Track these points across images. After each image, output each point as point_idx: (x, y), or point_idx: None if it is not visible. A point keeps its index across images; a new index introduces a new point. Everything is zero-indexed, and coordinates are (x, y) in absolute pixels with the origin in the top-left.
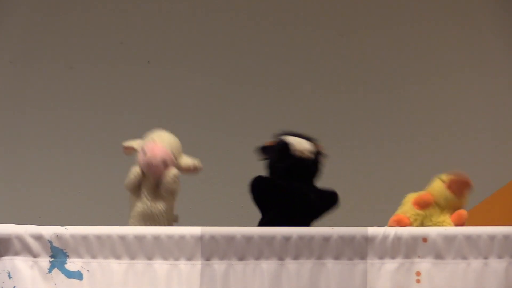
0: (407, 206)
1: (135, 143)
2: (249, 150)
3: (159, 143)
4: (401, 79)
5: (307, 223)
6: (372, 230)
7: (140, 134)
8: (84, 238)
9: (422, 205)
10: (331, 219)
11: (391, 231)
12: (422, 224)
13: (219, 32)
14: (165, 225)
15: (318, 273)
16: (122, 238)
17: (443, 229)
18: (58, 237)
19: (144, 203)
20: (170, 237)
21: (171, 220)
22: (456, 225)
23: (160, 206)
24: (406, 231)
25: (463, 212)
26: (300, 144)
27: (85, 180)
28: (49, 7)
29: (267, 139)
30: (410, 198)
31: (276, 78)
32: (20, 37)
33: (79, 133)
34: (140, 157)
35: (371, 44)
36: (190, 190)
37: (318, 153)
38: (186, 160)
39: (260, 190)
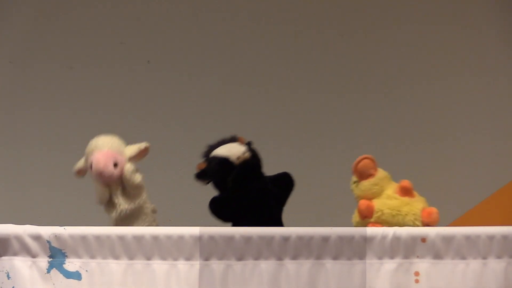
0: (358, 223)
1: (80, 164)
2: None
3: (99, 152)
4: (401, 79)
5: (278, 214)
6: (371, 230)
7: (140, 134)
8: (83, 238)
9: (366, 214)
10: (331, 219)
11: (389, 231)
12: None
13: (219, 32)
14: (147, 219)
15: (317, 273)
16: (121, 238)
17: (442, 229)
18: (57, 237)
19: (122, 211)
20: (169, 237)
21: (149, 213)
22: (426, 223)
23: (131, 204)
24: (405, 231)
25: (403, 183)
26: (234, 152)
27: (85, 180)
28: (49, 7)
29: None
30: (355, 217)
31: (276, 78)
32: (20, 37)
33: (79, 133)
34: (91, 172)
35: (371, 44)
36: (190, 190)
37: (249, 148)
38: (132, 148)
39: (221, 210)
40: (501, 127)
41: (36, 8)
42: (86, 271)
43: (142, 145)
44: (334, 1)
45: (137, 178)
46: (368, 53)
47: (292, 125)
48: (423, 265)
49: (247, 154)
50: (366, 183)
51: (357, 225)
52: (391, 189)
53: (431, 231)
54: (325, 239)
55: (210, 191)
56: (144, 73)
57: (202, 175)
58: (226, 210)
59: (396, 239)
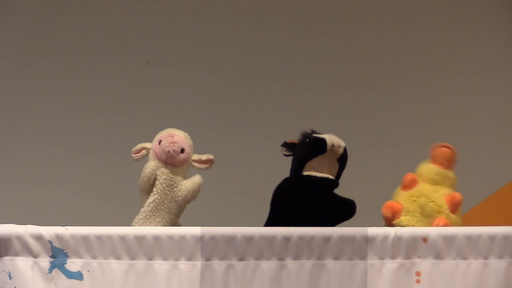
0: (397, 193)
1: (146, 144)
2: (249, 150)
3: (175, 133)
4: (401, 79)
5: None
6: (372, 230)
7: (140, 134)
8: (84, 238)
9: (407, 184)
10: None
11: (391, 231)
12: (418, 204)
13: (219, 32)
14: (173, 220)
15: (318, 273)
16: (122, 238)
17: (443, 229)
18: (59, 237)
19: (158, 199)
20: (170, 237)
21: (177, 218)
22: (450, 206)
23: (173, 207)
24: (406, 231)
25: (456, 195)
26: (333, 140)
27: (85, 180)
28: (49, 7)
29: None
30: (398, 189)
31: (276, 78)
32: (20, 37)
33: (79, 133)
34: (155, 148)
35: (371, 44)
36: None
37: (345, 149)
38: (200, 155)
39: (282, 198)
40: (501, 127)
41: (36, 8)
42: (88, 271)
43: (210, 155)
44: (334, 1)
45: (196, 195)
46: (368, 53)
47: (291, 125)
48: (424, 265)
49: (341, 150)
50: (432, 166)
51: (395, 194)
52: (445, 190)
53: (432, 231)
54: (327, 239)
55: (210, 191)
56: (144, 73)
57: (289, 145)
58: (287, 194)
59: (397, 239)
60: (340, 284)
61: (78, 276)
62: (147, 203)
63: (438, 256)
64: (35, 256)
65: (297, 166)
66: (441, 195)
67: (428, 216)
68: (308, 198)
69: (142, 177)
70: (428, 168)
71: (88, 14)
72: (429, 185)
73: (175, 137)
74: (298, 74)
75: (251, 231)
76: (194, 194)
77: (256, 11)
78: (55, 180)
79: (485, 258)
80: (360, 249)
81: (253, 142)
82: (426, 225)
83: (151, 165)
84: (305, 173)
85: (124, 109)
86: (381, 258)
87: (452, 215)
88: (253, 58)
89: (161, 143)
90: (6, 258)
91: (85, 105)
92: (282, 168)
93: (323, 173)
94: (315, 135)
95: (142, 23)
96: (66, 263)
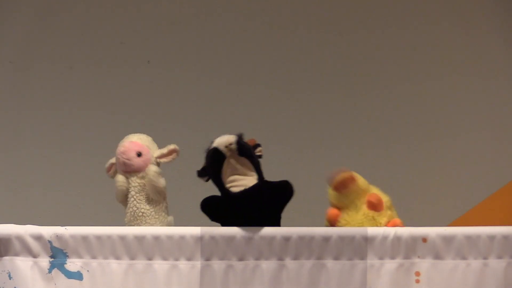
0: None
1: (112, 159)
2: None
3: (127, 141)
4: (401, 79)
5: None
6: (371, 230)
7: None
8: (84, 238)
9: (332, 222)
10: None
11: (390, 231)
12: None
13: (219, 32)
14: (158, 221)
15: (318, 273)
16: (122, 238)
17: (443, 229)
18: (58, 237)
19: (133, 207)
20: (170, 237)
21: (163, 223)
22: (376, 210)
23: (149, 207)
24: (406, 231)
25: (370, 197)
26: (221, 141)
27: (85, 180)
28: (49, 7)
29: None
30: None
31: (276, 78)
32: (20, 37)
33: (79, 133)
34: (117, 163)
35: (371, 44)
36: (190, 190)
37: (254, 149)
38: (161, 150)
39: (212, 211)
40: (501, 127)
41: (36, 8)
42: (88, 271)
43: (171, 146)
44: (334, 1)
45: (161, 181)
46: (368, 53)
47: (291, 125)
48: (424, 265)
49: (234, 145)
50: (337, 196)
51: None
52: (364, 199)
53: (432, 231)
54: (326, 239)
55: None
56: (144, 73)
57: (202, 173)
58: (217, 211)
59: (397, 239)
60: (340, 284)
61: (77, 276)
62: (126, 215)
63: (438, 256)
64: (34, 256)
65: (217, 185)
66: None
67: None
68: (241, 209)
69: (116, 192)
70: (336, 197)
71: (88, 14)
72: (351, 210)
73: (126, 145)
74: (298, 74)
75: (250, 231)
76: (155, 185)
77: (256, 11)
78: (55, 180)
79: (485, 258)
80: (360, 249)
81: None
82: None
83: (119, 179)
84: (227, 185)
85: (124, 109)
86: (381, 258)
87: (383, 212)
88: (253, 58)
89: (116, 156)
90: (6, 258)
91: (85, 105)
92: (282, 168)
93: (240, 173)
94: (208, 147)
95: (142, 23)
96: (65, 263)
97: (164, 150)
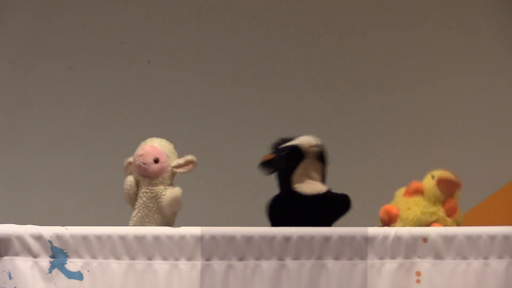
0: (397, 197)
1: (130, 158)
2: (249, 150)
3: (148, 144)
4: (401, 79)
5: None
6: (372, 230)
7: (140, 134)
8: (84, 238)
9: (410, 192)
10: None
11: (391, 231)
12: (413, 212)
13: (219, 32)
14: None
15: (318, 273)
16: (122, 238)
17: (443, 229)
18: (58, 237)
19: (142, 214)
20: (170, 237)
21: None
22: (448, 214)
23: (158, 219)
24: (406, 231)
25: (453, 202)
26: (306, 141)
27: (85, 180)
28: (49, 7)
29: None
30: (401, 191)
31: (276, 79)
32: (20, 37)
33: (79, 133)
34: (133, 164)
35: (371, 44)
36: (190, 190)
37: (322, 146)
38: (179, 160)
39: (277, 214)
40: (501, 127)
41: (36, 8)
42: (88, 271)
43: (188, 157)
44: (334, 1)
45: (179, 207)
46: (368, 53)
47: (291, 126)
48: (424, 265)
49: (319, 147)
50: (438, 192)
51: (396, 196)
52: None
53: (432, 231)
54: (326, 239)
55: (210, 191)
56: (144, 73)
57: (268, 164)
58: (281, 211)
59: (397, 239)
60: (340, 284)
61: (78, 276)
62: (131, 217)
63: (438, 256)
64: (35, 256)
65: (283, 182)
66: (441, 208)
67: (423, 224)
68: (304, 212)
69: (123, 193)
70: (432, 190)
71: (88, 14)
72: (430, 202)
73: (145, 149)
74: (298, 74)
75: (251, 231)
76: (175, 206)
77: (256, 11)
78: (55, 180)
79: (485, 258)
80: (360, 249)
81: (253, 142)
82: None
83: (128, 180)
84: (295, 185)
85: (124, 109)
86: (381, 258)
87: (448, 219)
88: (253, 58)
89: (134, 157)
90: (6, 258)
91: (85, 105)
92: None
93: (311, 177)
94: (287, 144)
95: (142, 23)
96: (66, 263)
97: (181, 161)
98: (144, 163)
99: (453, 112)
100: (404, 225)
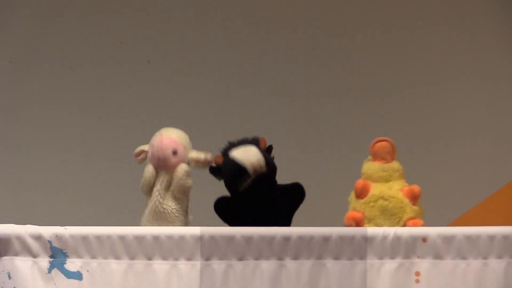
0: (352, 202)
1: (144, 146)
2: None
3: (166, 135)
4: (401, 79)
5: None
6: (371, 230)
7: (140, 134)
8: (84, 238)
9: (360, 193)
10: (331, 219)
11: (390, 231)
12: (378, 208)
13: (219, 33)
14: (178, 220)
15: (317, 273)
16: (122, 238)
17: (443, 229)
18: (58, 237)
19: (156, 202)
20: (169, 237)
21: (183, 222)
22: (410, 200)
23: (172, 204)
24: (405, 231)
25: (414, 187)
26: (252, 162)
27: (85, 180)
28: (49, 7)
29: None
30: (352, 196)
31: (276, 79)
32: (20, 37)
33: (79, 133)
34: (150, 153)
35: (371, 45)
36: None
37: (267, 157)
38: (196, 153)
39: (225, 212)
40: (501, 127)
41: (36, 8)
42: (87, 271)
43: (207, 155)
44: (334, 1)
45: (189, 181)
46: (367, 54)
47: (291, 126)
48: (423, 265)
49: (264, 168)
50: (376, 164)
51: (350, 203)
52: (398, 184)
53: (432, 231)
54: (326, 239)
55: (210, 191)
56: (144, 73)
57: (216, 172)
58: (230, 213)
59: (397, 239)
60: (340, 284)
61: (77, 276)
62: (148, 207)
63: (438, 256)
64: (34, 256)
65: (230, 190)
66: (397, 190)
67: (391, 215)
68: (255, 204)
69: (142, 181)
70: (373, 168)
71: (88, 14)
72: (381, 184)
73: (164, 140)
74: (298, 75)
75: (250, 231)
76: (183, 183)
77: (256, 11)
78: (54, 180)
79: (485, 258)
80: (360, 249)
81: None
82: (392, 225)
83: (149, 170)
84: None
85: (124, 109)
86: (381, 258)
87: (415, 207)
88: (253, 58)
89: (152, 148)
90: (5, 258)
91: (85, 105)
92: (282, 168)
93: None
94: (234, 155)
95: (142, 23)
96: (65, 263)
97: (201, 156)
98: (163, 156)
99: (453, 112)
100: (374, 223)
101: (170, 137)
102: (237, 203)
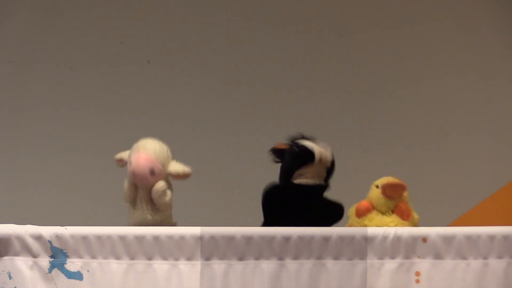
0: (351, 218)
1: (124, 154)
2: (249, 150)
3: (143, 153)
4: (401, 79)
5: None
6: (371, 230)
7: (140, 134)
8: (84, 238)
9: (361, 213)
10: None
11: (390, 231)
12: None
13: (218, 32)
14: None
15: (318, 273)
16: (122, 238)
17: (443, 229)
18: (58, 237)
19: (141, 213)
20: (170, 237)
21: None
22: (403, 218)
23: (156, 216)
24: (405, 231)
25: (403, 205)
26: (323, 153)
27: (85, 180)
28: (49, 7)
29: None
30: (352, 210)
31: (276, 79)
32: (20, 37)
33: (79, 133)
34: (128, 168)
35: (371, 44)
36: (190, 190)
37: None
38: (175, 166)
39: (271, 201)
40: (501, 127)
41: (36, 8)
42: (88, 271)
43: (186, 169)
44: (334, 1)
45: (166, 198)
46: (367, 54)
47: (292, 126)
48: (424, 265)
49: (329, 163)
50: (382, 199)
51: (350, 217)
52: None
53: (432, 231)
54: (326, 239)
55: (210, 191)
56: (144, 73)
57: (278, 153)
58: (274, 200)
59: (397, 239)
60: (340, 284)
61: (77, 276)
62: (133, 219)
63: (438, 256)
64: (34, 256)
65: (285, 175)
66: (394, 218)
67: None
68: (299, 205)
69: (124, 193)
70: (378, 200)
71: (88, 14)
72: (381, 214)
73: (140, 161)
74: (298, 75)
75: (250, 231)
76: (160, 200)
77: (256, 11)
78: (55, 180)
79: (485, 258)
80: (360, 249)
81: (253, 142)
82: None
83: (126, 186)
84: (295, 180)
85: (124, 109)
86: (381, 258)
87: (406, 223)
88: (253, 58)
89: (130, 166)
90: (5, 258)
91: (85, 105)
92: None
93: (311, 179)
94: (303, 143)
95: (142, 23)
96: (65, 263)
97: (180, 170)
98: (141, 176)
99: (453, 112)
100: None
101: (147, 156)
102: (284, 193)
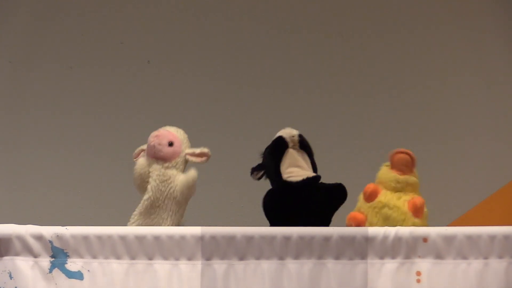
0: (360, 202)
1: (144, 146)
2: (249, 150)
3: (163, 129)
4: (401, 79)
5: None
6: (372, 230)
7: (140, 134)
8: (85, 238)
9: (368, 196)
10: (332, 219)
11: (391, 231)
12: (381, 216)
13: (219, 32)
14: (172, 218)
15: (318, 273)
16: (123, 238)
17: (443, 229)
18: (59, 237)
19: (153, 196)
20: (170, 237)
21: (175, 223)
22: (413, 212)
23: (168, 202)
24: (407, 231)
25: (417, 200)
26: (286, 132)
27: (85, 180)
28: (49, 7)
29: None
30: (361, 195)
31: (276, 79)
32: (20, 37)
33: (79, 133)
34: (147, 146)
35: (371, 44)
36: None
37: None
38: (194, 149)
39: (272, 207)
40: (501, 127)
41: (36, 8)
42: (88, 271)
43: (204, 149)
44: (334, 1)
45: (194, 190)
46: (367, 54)
47: (291, 125)
48: (424, 265)
49: (297, 137)
50: (391, 173)
51: (358, 201)
52: (408, 196)
53: (433, 231)
54: (327, 238)
55: (210, 191)
56: (144, 73)
57: (257, 168)
58: (272, 204)
59: (398, 239)
60: (341, 284)
61: (78, 276)
62: (142, 201)
63: (439, 256)
64: (35, 256)
65: (273, 174)
66: (404, 201)
67: (393, 225)
68: (301, 202)
69: (134, 175)
70: (388, 176)
71: (88, 14)
72: (391, 193)
73: (161, 131)
74: (299, 75)
75: (251, 231)
76: (189, 190)
77: (256, 11)
78: (55, 180)
79: (485, 258)
80: (361, 248)
81: (253, 142)
82: None
83: (140, 162)
84: (285, 176)
85: (124, 109)
86: (382, 257)
87: (417, 221)
88: (253, 58)
89: (149, 139)
90: (6, 258)
91: (85, 105)
92: None
93: (299, 165)
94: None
95: (142, 23)
96: (66, 263)
97: (197, 150)
98: (159, 144)
99: (453, 112)
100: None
101: (168, 130)
102: (282, 195)
